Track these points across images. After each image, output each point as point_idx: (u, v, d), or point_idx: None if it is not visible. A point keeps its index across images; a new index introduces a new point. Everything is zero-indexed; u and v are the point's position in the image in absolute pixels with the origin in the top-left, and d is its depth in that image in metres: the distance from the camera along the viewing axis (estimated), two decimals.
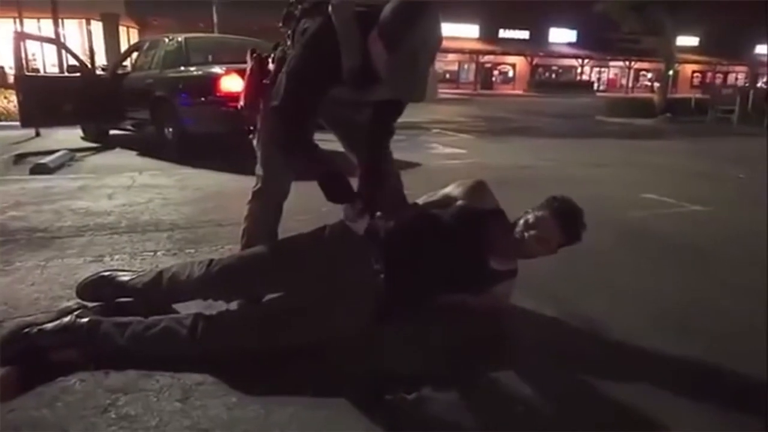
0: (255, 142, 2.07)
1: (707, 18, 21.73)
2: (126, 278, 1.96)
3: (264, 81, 2.00)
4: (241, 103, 2.09)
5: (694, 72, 42.43)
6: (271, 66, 2.00)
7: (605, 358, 1.84)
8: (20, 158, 5.63)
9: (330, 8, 1.69)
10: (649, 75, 40.92)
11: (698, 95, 18.79)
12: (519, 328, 2.05)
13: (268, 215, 2.09)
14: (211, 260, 1.87)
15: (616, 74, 43.04)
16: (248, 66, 2.08)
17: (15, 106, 7.58)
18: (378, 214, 1.98)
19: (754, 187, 5.21)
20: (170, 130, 5.92)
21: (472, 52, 36.16)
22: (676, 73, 23.53)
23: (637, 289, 2.47)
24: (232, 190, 4.07)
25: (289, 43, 1.90)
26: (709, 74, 42.56)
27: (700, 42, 36.55)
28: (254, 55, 2.06)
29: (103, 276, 1.98)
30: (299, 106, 1.74)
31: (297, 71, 1.72)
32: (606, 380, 1.67)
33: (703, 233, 3.48)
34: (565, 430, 1.46)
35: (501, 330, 2.04)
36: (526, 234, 1.89)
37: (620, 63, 40.55)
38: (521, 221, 1.94)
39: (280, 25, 1.95)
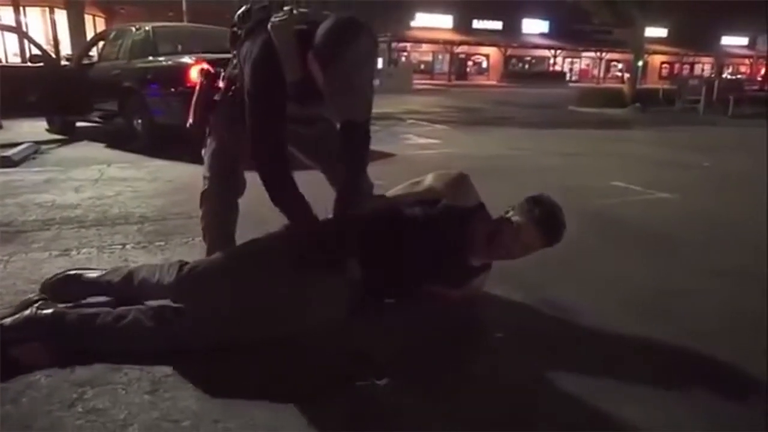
0: (203, 151, 2.08)
1: (675, 10, 22.15)
2: (94, 275, 1.89)
3: (214, 97, 2.01)
4: (190, 120, 2.08)
5: (662, 63, 43.28)
6: (221, 83, 2.00)
7: (575, 343, 1.88)
8: None
9: (270, 27, 1.70)
10: (620, 66, 41.59)
11: (666, 86, 19.18)
12: (490, 315, 2.08)
13: (222, 215, 2.11)
14: (182, 265, 1.78)
15: (588, 65, 43.63)
16: (198, 81, 2.09)
17: None
18: None
19: (719, 175, 5.36)
20: (139, 121, 5.79)
21: (446, 42, 36.21)
22: (645, 64, 23.97)
23: (605, 274, 2.52)
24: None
25: (235, 62, 1.92)
26: (677, 65, 43.45)
27: (669, 33, 37.27)
28: (204, 71, 2.10)
29: (70, 274, 1.90)
30: (266, 127, 1.75)
31: (250, 94, 1.74)
32: (575, 365, 1.72)
33: (669, 219, 3.57)
34: (537, 417, 1.49)
35: (473, 317, 2.06)
36: (511, 241, 1.87)
37: (592, 54, 41.13)
38: (505, 225, 1.90)
39: (229, 47, 1.98)
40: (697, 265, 2.69)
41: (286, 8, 1.81)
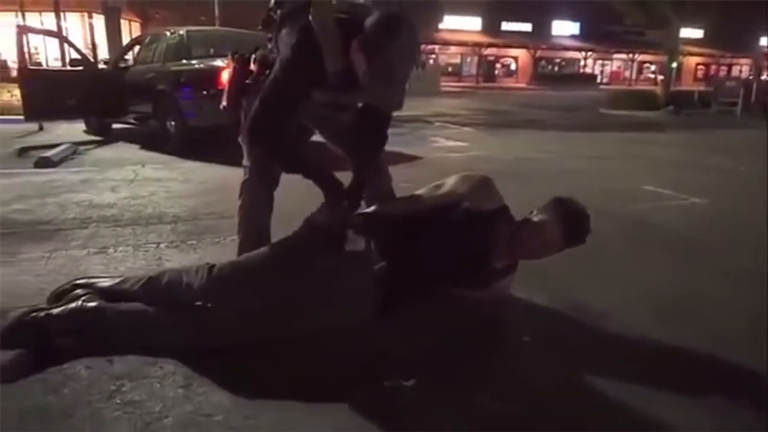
0: (240, 138, 2.11)
1: (711, 10, 21.61)
2: (105, 284, 1.85)
3: (246, 81, 2.06)
4: (224, 103, 2.14)
5: (698, 64, 42.22)
6: (252, 67, 2.05)
7: (599, 347, 1.86)
8: (24, 152, 5.66)
9: (310, 16, 1.73)
10: (653, 67, 40.72)
11: (702, 88, 18.70)
12: (514, 317, 2.08)
13: (259, 205, 2.14)
14: (210, 267, 1.76)
15: (619, 67, 42.86)
16: (230, 67, 2.13)
17: (18, 100, 7.61)
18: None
19: (755, 180, 5.21)
20: (172, 123, 5.94)
21: (474, 45, 36.04)
22: (680, 65, 23.43)
23: (634, 278, 2.48)
24: (234, 183, 4.01)
25: (270, 46, 1.96)
26: (713, 67, 42.33)
27: (705, 34, 36.38)
28: (236, 55, 2.12)
29: (78, 284, 1.86)
30: (281, 101, 1.79)
31: (283, 71, 1.79)
32: (598, 368, 1.70)
33: (702, 224, 3.49)
34: (560, 419, 1.48)
35: (497, 319, 2.06)
36: (531, 239, 1.87)
37: (624, 55, 40.41)
38: (527, 224, 1.91)
39: (260, 28, 2.02)
40: (727, 269, 2.63)
41: None
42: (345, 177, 1.99)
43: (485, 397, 1.54)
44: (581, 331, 1.97)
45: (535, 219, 1.89)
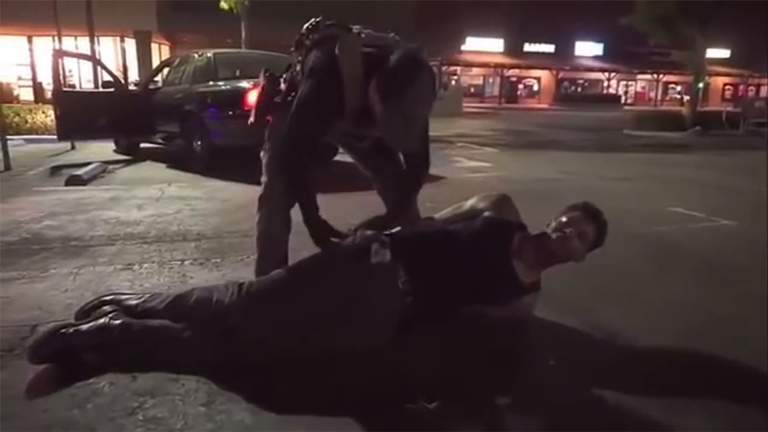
0: (262, 153, 2.15)
1: (738, 30, 21.35)
2: (133, 302, 1.84)
3: (275, 99, 2.10)
4: (252, 118, 2.18)
5: (725, 85, 41.61)
6: (282, 86, 2.10)
7: (624, 370, 1.81)
8: (56, 170, 5.83)
9: (337, 49, 1.77)
10: (679, 88, 40.31)
11: (730, 108, 18.38)
12: (540, 338, 2.04)
13: (276, 221, 2.14)
14: (240, 285, 1.78)
15: (644, 87, 42.51)
16: (261, 84, 2.19)
17: (52, 121, 7.88)
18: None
19: None
20: (199, 143, 6.05)
21: (496, 66, 36.16)
22: (706, 86, 23.10)
23: (661, 302, 2.42)
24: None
25: (298, 68, 2.00)
26: (742, 87, 41.66)
27: (731, 54, 35.92)
28: (267, 74, 2.16)
29: (106, 300, 1.86)
30: (305, 129, 1.84)
31: (305, 101, 1.83)
32: (623, 392, 1.65)
33: (730, 247, 3.40)
34: None
35: (522, 340, 2.03)
36: (566, 230, 1.87)
37: (648, 76, 40.10)
38: (551, 226, 1.93)
39: (293, 49, 2.07)
40: (758, 293, 2.53)
41: (355, 28, 1.90)
42: (369, 196, 2.00)
43: (509, 419, 1.50)
44: (605, 353, 1.92)
45: (562, 218, 1.92)
